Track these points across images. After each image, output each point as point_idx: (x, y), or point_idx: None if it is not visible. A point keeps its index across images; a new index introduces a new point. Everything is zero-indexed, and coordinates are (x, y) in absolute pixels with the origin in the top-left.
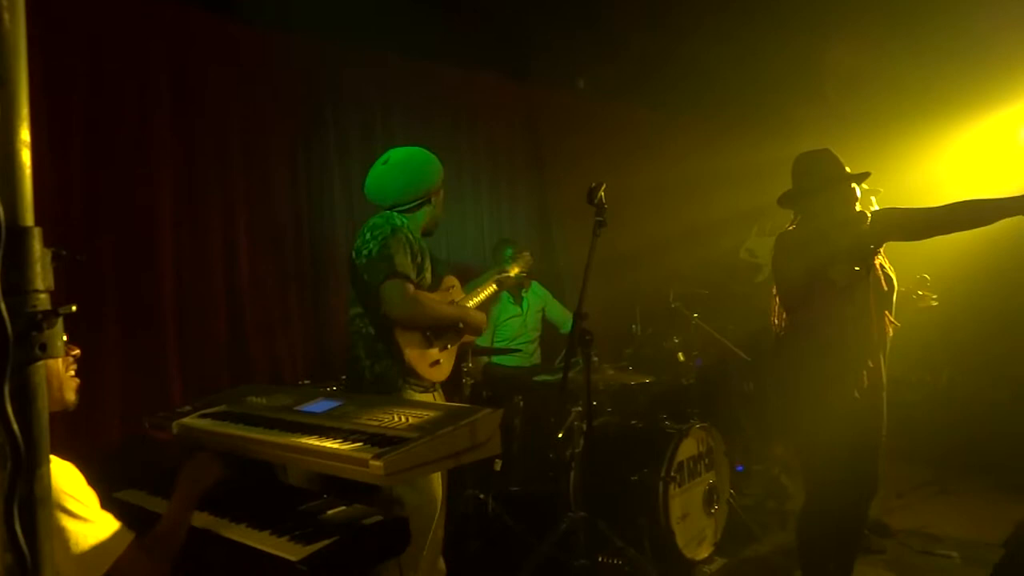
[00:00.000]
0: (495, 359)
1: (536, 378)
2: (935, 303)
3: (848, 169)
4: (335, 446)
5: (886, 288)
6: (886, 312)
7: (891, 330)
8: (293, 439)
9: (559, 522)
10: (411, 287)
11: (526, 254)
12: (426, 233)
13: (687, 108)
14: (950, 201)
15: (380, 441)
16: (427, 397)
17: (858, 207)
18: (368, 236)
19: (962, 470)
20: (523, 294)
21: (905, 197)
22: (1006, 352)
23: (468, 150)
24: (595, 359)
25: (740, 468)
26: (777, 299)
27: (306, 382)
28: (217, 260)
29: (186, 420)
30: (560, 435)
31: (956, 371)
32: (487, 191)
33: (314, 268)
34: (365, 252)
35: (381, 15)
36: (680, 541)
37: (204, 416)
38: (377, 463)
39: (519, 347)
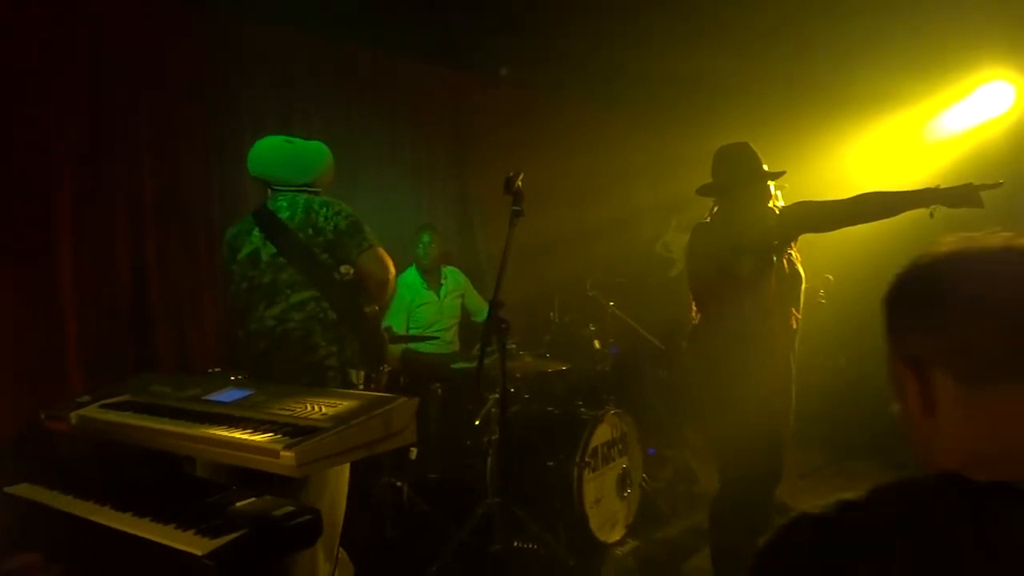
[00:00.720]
0: (412, 345)
1: (454, 365)
2: (823, 301)
3: (765, 166)
4: (245, 436)
5: (792, 283)
6: (792, 307)
7: (795, 323)
8: (201, 430)
9: (475, 509)
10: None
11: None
12: None
13: (610, 100)
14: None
15: (292, 431)
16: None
17: (771, 204)
18: (325, 211)
19: (857, 451)
20: (440, 280)
21: (814, 192)
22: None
23: (388, 133)
24: (513, 346)
25: (652, 452)
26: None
27: (216, 370)
28: (121, 238)
29: (85, 411)
30: (477, 422)
31: (851, 354)
32: (408, 176)
33: None
34: (330, 227)
35: None
36: (593, 525)
37: (105, 406)
38: (288, 454)
39: (435, 334)
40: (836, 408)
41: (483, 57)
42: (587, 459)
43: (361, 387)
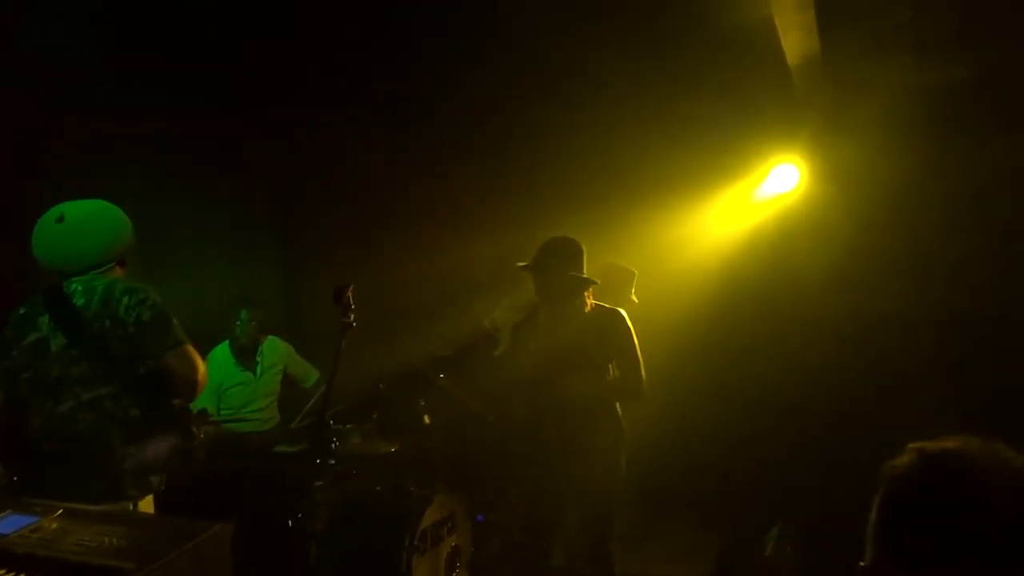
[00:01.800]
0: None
1: (276, 448)
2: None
3: (585, 272)
4: None
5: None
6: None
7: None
8: None
9: None
10: (195, 351)
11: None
12: None
13: (440, 156)
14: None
15: (86, 575)
16: None
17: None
18: (126, 301)
19: (670, 508)
20: (256, 357)
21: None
22: (714, 389)
23: (205, 198)
24: (342, 427)
25: (480, 518)
26: None
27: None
28: None
29: None
30: (301, 509)
31: (669, 410)
32: (226, 236)
33: None
34: (131, 319)
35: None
36: None
37: None
38: None
39: (250, 415)
40: (650, 467)
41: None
42: (416, 543)
43: (163, 490)
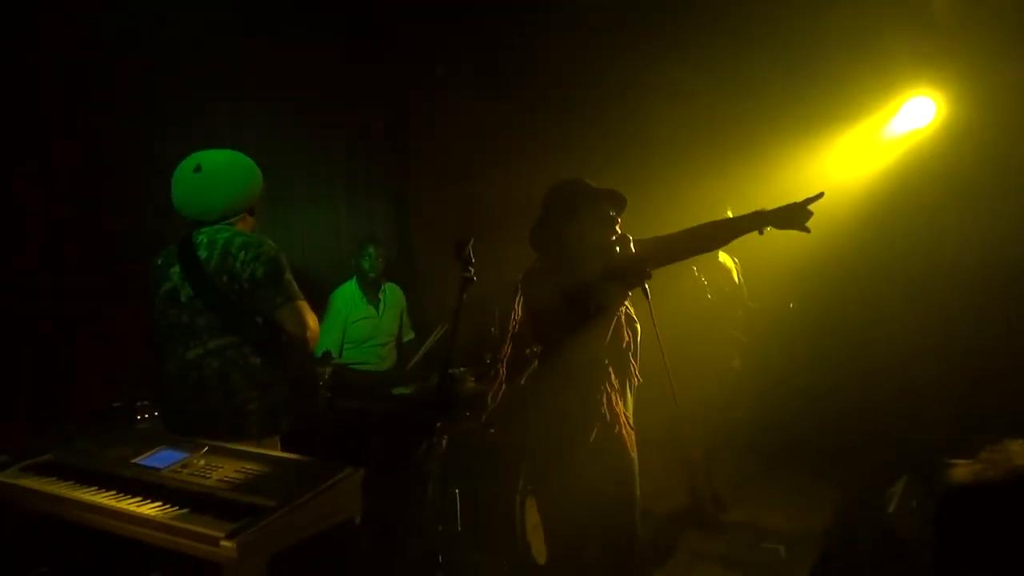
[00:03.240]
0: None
1: (394, 390)
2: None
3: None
4: (180, 521)
5: (628, 337)
6: (632, 361)
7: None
8: (132, 506)
9: (418, 538)
10: (308, 307)
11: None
12: None
13: (560, 107)
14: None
15: (232, 511)
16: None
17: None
18: (243, 256)
19: (787, 460)
20: (379, 295)
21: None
22: (830, 346)
23: (323, 141)
24: (460, 370)
25: None
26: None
27: (144, 403)
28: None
29: (5, 475)
30: (419, 450)
31: (785, 365)
32: (344, 187)
33: None
34: (246, 275)
35: None
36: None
37: (26, 469)
38: (229, 544)
39: (369, 351)
40: (771, 417)
41: (421, 60)
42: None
43: (287, 432)
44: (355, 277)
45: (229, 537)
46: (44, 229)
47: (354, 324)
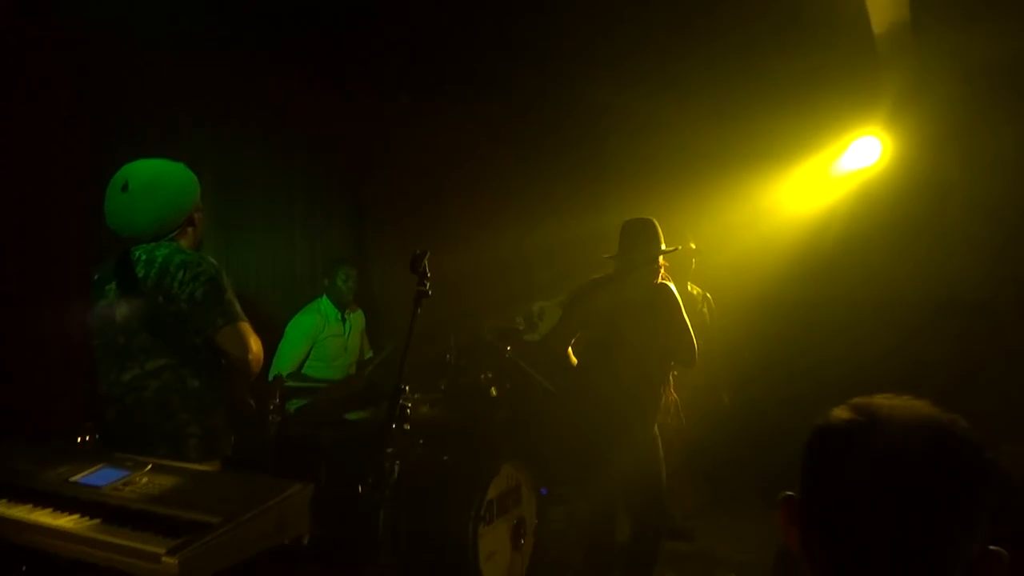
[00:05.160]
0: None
1: (347, 416)
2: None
3: (663, 244)
4: (117, 540)
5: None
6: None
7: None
8: (69, 523)
9: (367, 566)
10: (251, 328)
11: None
12: None
13: (517, 137)
14: None
15: (175, 528)
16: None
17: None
18: (181, 276)
19: (740, 490)
20: (347, 315)
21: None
22: (785, 374)
23: (281, 164)
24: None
25: (544, 492)
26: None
27: (87, 424)
28: None
29: None
30: (370, 477)
31: (737, 393)
32: (302, 211)
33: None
34: (184, 296)
35: (182, 14)
36: None
37: None
38: (171, 560)
39: (338, 371)
40: (724, 447)
41: (380, 84)
42: (483, 513)
43: (230, 456)
44: (326, 296)
45: (170, 553)
46: None
47: (324, 341)
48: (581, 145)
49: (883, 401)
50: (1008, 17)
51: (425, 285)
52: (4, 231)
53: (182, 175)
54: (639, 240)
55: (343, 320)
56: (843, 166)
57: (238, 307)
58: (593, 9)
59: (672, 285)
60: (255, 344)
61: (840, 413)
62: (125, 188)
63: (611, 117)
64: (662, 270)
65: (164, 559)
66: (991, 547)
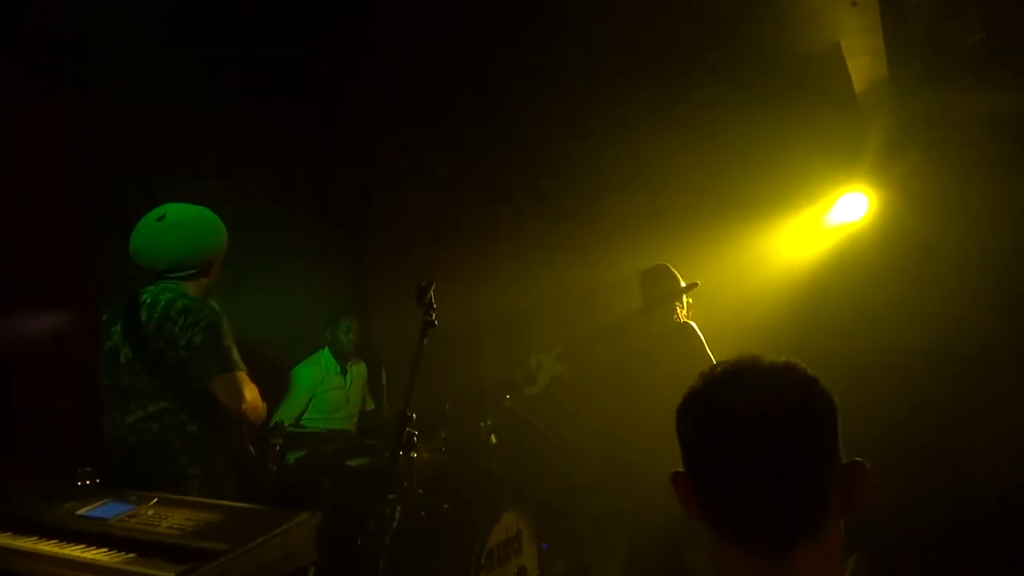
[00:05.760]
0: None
1: (349, 462)
2: None
3: (682, 281)
4: (125, 566)
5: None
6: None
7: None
8: (76, 552)
9: None
10: (247, 378)
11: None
12: None
13: (513, 195)
14: None
15: (182, 556)
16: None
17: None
18: (182, 321)
19: None
20: (348, 367)
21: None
22: None
23: (283, 219)
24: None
25: (545, 546)
26: None
27: (87, 469)
28: None
29: None
30: (371, 524)
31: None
32: (303, 263)
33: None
34: (183, 342)
35: (184, 71)
36: None
37: None
38: None
39: (338, 423)
40: None
41: (378, 139)
42: (483, 561)
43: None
44: (328, 348)
45: None
46: None
47: (324, 393)
48: (574, 200)
49: (726, 364)
50: (987, 74)
51: (431, 315)
52: (12, 282)
53: (215, 222)
54: (657, 281)
55: (344, 372)
56: (832, 219)
57: (236, 355)
58: (586, 68)
59: (694, 324)
60: (249, 393)
61: (696, 385)
62: (161, 219)
63: (603, 172)
64: (685, 308)
65: None
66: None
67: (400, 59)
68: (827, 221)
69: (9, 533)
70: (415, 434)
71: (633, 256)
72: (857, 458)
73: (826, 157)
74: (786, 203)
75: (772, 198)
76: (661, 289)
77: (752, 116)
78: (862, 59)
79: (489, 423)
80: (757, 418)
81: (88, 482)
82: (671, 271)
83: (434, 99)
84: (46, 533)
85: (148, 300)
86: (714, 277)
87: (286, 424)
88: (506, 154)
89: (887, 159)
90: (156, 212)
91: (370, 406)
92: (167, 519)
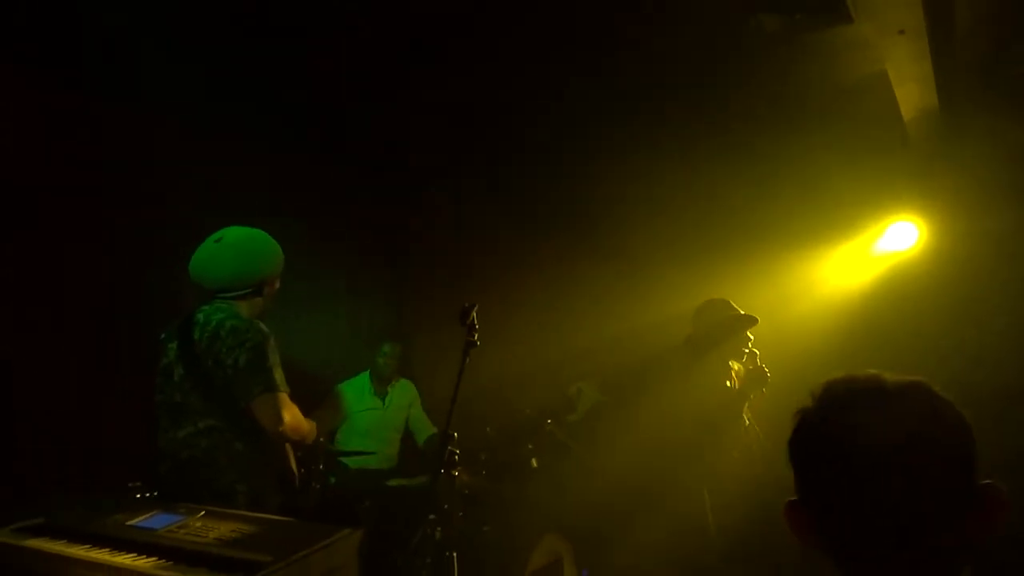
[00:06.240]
0: (344, 458)
1: (390, 482)
2: None
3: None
4: (173, 574)
5: None
6: None
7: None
8: (125, 561)
9: None
10: (288, 400)
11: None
12: None
13: (555, 230)
14: None
15: (228, 566)
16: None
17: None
18: (230, 341)
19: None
20: (388, 389)
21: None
22: None
23: (328, 243)
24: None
25: (585, 572)
26: None
27: (136, 483)
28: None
29: None
30: (412, 543)
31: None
32: (345, 290)
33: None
34: (230, 362)
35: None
36: None
37: (19, 531)
38: None
39: (373, 445)
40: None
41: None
42: None
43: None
44: (369, 371)
45: None
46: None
47: (359, 414)
48: (619, 229)
49: (843, 384)
50: None
51: (474, 336)
52: (61, 302)
53: (270, 245)
54: (715, 315)
55: (381, 395)
56: (881, 248)
57: (279, 377)
58: (633, 100)
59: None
60: (288, 415)
61: (811, 408)
62: (219, 240)
63: (648, 204)
64: (749, 344)
65: None
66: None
67: (445, 93)
68: (876, 250)
69: (64, 541)
70: (456, 452)
71: (680, 289)
72: (990, 480)
73: (875, 186)
74: (835, 232)
75: (821, 227)
76: (711, 321)
77: (800, 145)
78: (910, 87)
79: (530, 447)
80: (885, 449)
81: (139, 495)
82: (724, 304)
83: (478, 131)
84: (98, 542)
85: (201, 319)
86: (763, 306)
87: (332, 446)
88: (550, 186)
89: (937, 188)
90: (216, 234)
91: (431, 430)
92: (214, 531)
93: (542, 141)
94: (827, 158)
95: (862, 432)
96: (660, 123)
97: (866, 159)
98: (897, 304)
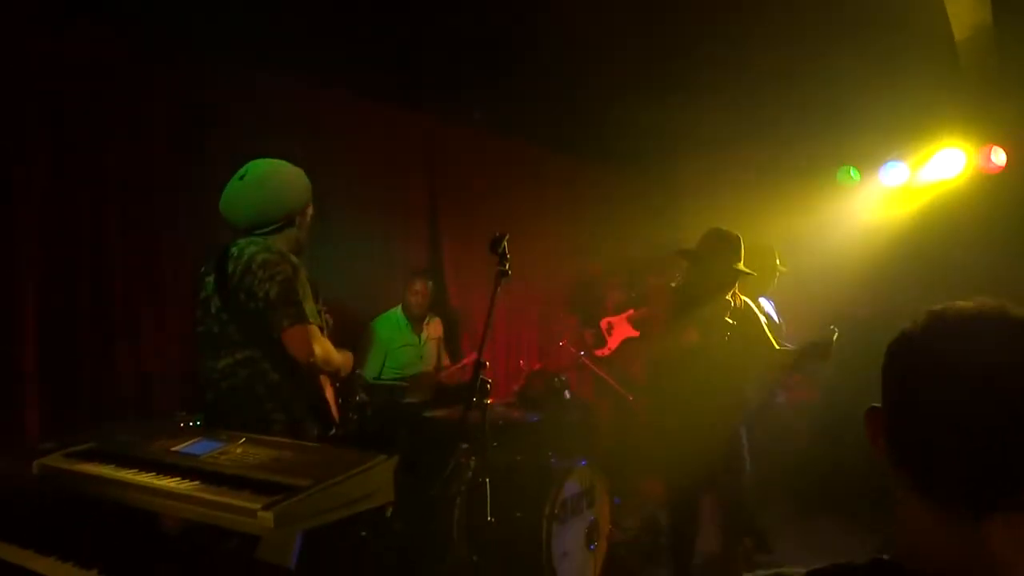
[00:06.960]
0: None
1: (425, 413)
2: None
3: (741, 265)
4: (218, 495)
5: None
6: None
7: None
8: (171, 484)
9: (443, 561)
10: (317, 332)
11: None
12: None
13: (591, 152)
14: None
15: (268, 489)
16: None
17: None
18: (261, 274)
19: (824, 502)
20: (423, 325)
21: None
22: (869, 383)
23: (358, 179)
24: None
25: (617, 501)
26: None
27: (181, 413)
28: (84, 270)
29: (49, 459)
30: (446, 472)
31: (824, 404)
32: (378, 221)
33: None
34: (261, 294)
35: (263, 35)
36: None
37: (70, 455)
38: (266, 514)
39: (409, 380)
40: (809, 460)
41: (455, 104)
42: (556, 511)
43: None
44: (401, 307)
45: (266, 508)
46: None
47: (397, 349)
48: (651, 160)
49: (959, 309)
50: None
51: (505, 265)
52: (110, 241)
53: (293, 175)
54: (718, 255)
55: (419, 330)
56: (926, 176)
57: (308, 310)
58: (664, 31)
59: (749, 301)
60: (318, 348)
61: (919, 323)
62: (243, 177)
63: (682, 134)
64: (735, 288)
65: (260, 514)
66: None
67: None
68: (921, 178)
69: (112, 465)
70: (488, 382)
71: (712, 219)
72: None
73: (922, 111)
74: (877, 159)
75: (862, 153)
76: (720, 270)
77: (844, 66)
78: (963, 3)
79: (563, 379)
80: (984, 370)
81: (183, 424)
82: (736, 248)
83: (508, 57)
84: (144, 466)
85: (235, 253)
86: (799, 235)
87: (366, 378)
88: (582, 119)
89: (989, 114)
90: (240, 171)
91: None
92: (254, 456)
93: (579, 72)
94: (872, 81)
95: (981, 351)
96: (689, 51)
97: (914, 82)
98: (941, 236)
